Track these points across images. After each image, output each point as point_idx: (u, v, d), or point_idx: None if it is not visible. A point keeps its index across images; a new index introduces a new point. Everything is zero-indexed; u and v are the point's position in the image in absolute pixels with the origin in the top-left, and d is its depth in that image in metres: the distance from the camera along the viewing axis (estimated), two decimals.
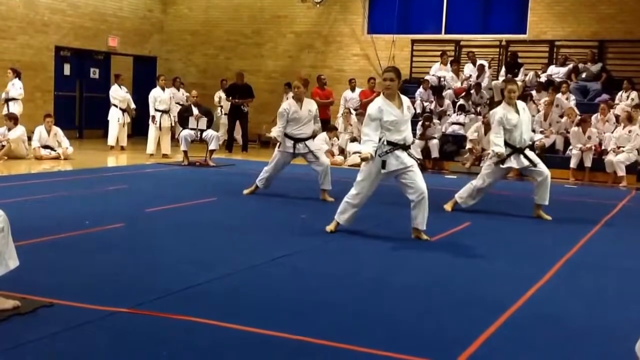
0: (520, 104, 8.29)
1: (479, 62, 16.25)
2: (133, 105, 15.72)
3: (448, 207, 8.48)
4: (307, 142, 8.92)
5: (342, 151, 14.79)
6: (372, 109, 6.48)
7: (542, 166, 8.23)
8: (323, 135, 14.83)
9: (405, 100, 6.65)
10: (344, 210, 6.73)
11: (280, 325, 3.95)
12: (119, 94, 15.42)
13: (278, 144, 9.09)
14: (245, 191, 9.16)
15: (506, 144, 8.08)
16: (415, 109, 15.65)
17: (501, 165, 8.17)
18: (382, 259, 5.92)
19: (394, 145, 6.44)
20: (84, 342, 3.61)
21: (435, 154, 14.06)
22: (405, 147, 6.53)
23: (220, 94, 17.27)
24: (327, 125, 15.36)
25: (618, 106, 14.03)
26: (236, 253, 5.83)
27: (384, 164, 6.44)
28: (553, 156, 13.56)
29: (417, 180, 6.52)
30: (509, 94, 8.11)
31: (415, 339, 3.89)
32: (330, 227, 6.76)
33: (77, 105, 18.38)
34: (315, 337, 3.80)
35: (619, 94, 14.56)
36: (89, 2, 17.96)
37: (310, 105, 9.06)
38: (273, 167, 9.04)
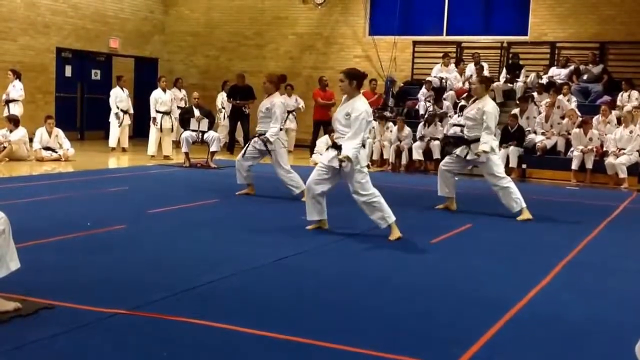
0: (482, 101, 8.20)
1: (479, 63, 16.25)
2: (131, 111, 15.73)
3: (442, 206, 8.61)
4: (259, 138, 8.92)
5: None
6: None
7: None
8: (325, 138, 14.82)
9: (350, 106, 6.62)
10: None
11: (281, 326, 3.95)
12: (120, 96, 15.46)
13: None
14: (239, 192, 9.20)
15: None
16: (418, 109, 15.80)
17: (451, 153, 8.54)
18: (384, 260, 5.92)
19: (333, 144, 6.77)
20: (85, 344, 3.61)
21: (436, 155, 14.05)
22: (337, 147, 6.66)
23: (222, 97, 17.22)
24: (329, 127, 15.35)
25: (623, 108, 13.97)
26: (238, 254, 5.82)
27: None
28: (554, 158, 13.57)
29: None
30: (471, 86, 8.39)
31: (417, 340, 3.89)
32: (310, 227, 6.94)
33: (79, 107, 18.39)
34: (317, 338, 3.79)
35: (620, 95, 14.54)
36: (90, 3, 17.97)
37: (267, 102, 8.89)
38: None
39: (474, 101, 8.46)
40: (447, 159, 8.75)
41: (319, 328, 4.01)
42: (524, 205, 8.13)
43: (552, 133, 13.78)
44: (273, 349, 3.67)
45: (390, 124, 14.66)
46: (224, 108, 17.04)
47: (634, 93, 14.24)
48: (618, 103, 14.37)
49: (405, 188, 10.59)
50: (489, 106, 8.13)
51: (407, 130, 14.31)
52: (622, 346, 3.80)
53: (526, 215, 8.11)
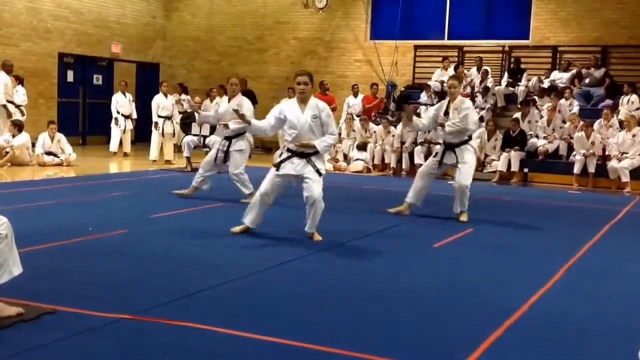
0: (461, 102, 8.13)
1: (483, 67, 16.24)
2: (134, 116, 15.75)
3: (394, 210, 8.41)
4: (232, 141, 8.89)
5: (345, 157, 14.78)
6: (279, 105, 6.87)
7: (462, 176, 8.07)
8: None
9: (313, 108, 6.56)
10: (249, 210, 6.80)
11: (283, 331, 3.94)
12: (121, 101, 15.50)
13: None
14: (177, 192, 9.21)
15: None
16: (419, 113, 15.76)
17: (434, 159, 8.33)
18: (386, 264, 5.91)
19: (292, 153, 6.58)
20: (88, 349, 3.60)
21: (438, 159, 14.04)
22: (303, 155, 6.56)
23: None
24: None
25: (621, 111, 13.95)
26: (241, 259, 5.82)
27: (278, 166, 6.62)
28: (556, 162, 13.56)
29: (312, 187, 6.49)
30: (449, 89, 8.18)
31: (420, 344, 3.89)
32: (235, 229, 6.79)
33: (81, 112, 18.41)
34: (320, 343, 3.79)
35: (622, 98, 14.52)
36: (92, 8, 18.01)
37: (233, 104, 8.80)
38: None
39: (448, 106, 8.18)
40: (431, 162, 8.51)
41: (322, 332, 4.00)
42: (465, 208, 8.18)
43: (554, 137, 13.76)
44: (276, 354, 3.66)
45: (393, 127, 14.66)
46: None
47: (634, 97, 14.14)
48: (620, 107, 14.33)
49: (407, 192, 10.57)
50: (466, 103, 8.18)
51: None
52: (625, 349, 3.79)
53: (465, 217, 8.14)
